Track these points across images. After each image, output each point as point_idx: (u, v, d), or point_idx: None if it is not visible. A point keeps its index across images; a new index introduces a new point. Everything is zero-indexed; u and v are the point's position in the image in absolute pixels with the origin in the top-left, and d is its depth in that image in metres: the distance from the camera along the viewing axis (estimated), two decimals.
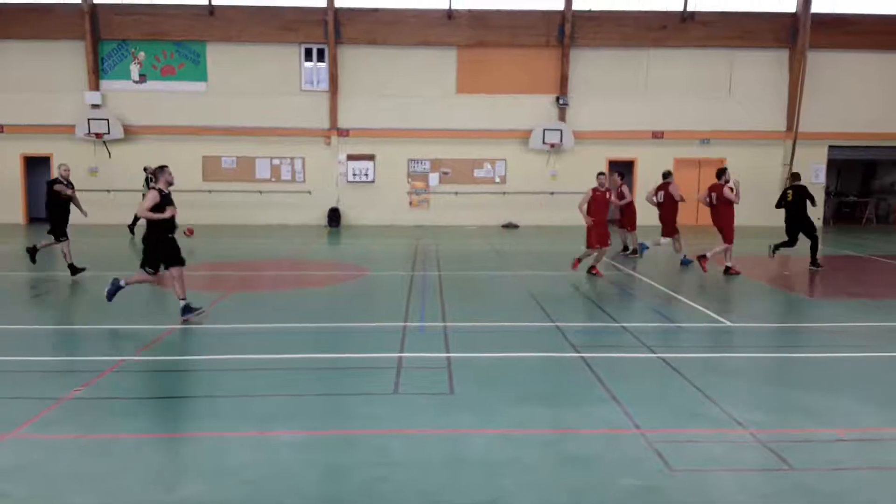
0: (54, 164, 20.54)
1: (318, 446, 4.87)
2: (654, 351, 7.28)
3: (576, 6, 21.54)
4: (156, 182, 8.57)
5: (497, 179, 22.39)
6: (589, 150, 22.17)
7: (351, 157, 22.24)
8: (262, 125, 21.97)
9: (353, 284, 11.81)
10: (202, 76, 21.97)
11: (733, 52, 22.00)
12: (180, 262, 8.67)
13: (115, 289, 8.89)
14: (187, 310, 8.52)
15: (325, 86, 22.04)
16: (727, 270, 12.34)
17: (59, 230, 11.78)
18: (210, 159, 22.17)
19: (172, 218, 8.53)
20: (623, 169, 22.53)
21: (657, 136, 22.27)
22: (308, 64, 22.14)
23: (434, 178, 22.34)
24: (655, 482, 4.29)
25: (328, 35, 21.50)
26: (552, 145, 21.75)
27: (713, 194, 12.57)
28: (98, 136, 21.44)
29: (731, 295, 11.07)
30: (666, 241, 13.94)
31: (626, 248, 15.34)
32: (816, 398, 5.89)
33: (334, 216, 21.98)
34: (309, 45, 21.97)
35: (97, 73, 21.68)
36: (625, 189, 15.07)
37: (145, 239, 8.62)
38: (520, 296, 10.60)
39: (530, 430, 5.14)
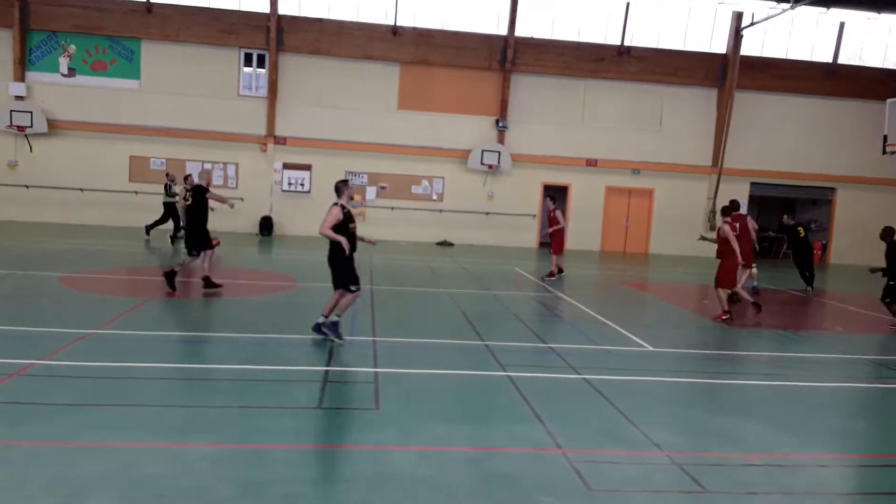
0: None
1: (234, 460, 4.71)
2: (578, 372, 7.40)
3: (518, 33, 21.97)
4: (339, 196, 8.04)
5: (434, 197, 22.47)
6: (525, 173, 22.55)
7: (287, 166, 21.92)
8: (195, 127, 21.42)
9: (282, 296, 11.57)
10: (135, 74, 21.28)
11: (666, 88, 22.86)
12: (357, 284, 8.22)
13: (330, 325, 8.12)
14: (331, 330, 8.06)
15: (263, 92, 21.69)
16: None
17: None
18: (138, 160, 21.43)
19: (354, 236, 8.05)
20: (557, 194, 23.08)
21: (591, 163, 22.85)
22: (247, 69, 21.76)
23: (371, 191, 22.25)
24: (575, 502, 4.32)
25: (270, 42, 21.21)
26: (490, 166, 22.02)
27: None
28: (20, 128, 20.42)
29: (654, 320, 11.39)
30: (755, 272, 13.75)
31: (560, 271, 15.31)
32: (731, 423, 6.10)
33: (266, 225, 21.55)
34: (249, 51, 21.61)
35: (23, 63, 20.71)
36: (558, 214, 15.06)
37: (333, 259, 8.08)
38: (451, 314, 10.61)
39: (454, 448, 5.12)
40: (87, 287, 11.05)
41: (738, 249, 11.08)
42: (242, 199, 20.59)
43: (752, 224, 13.50)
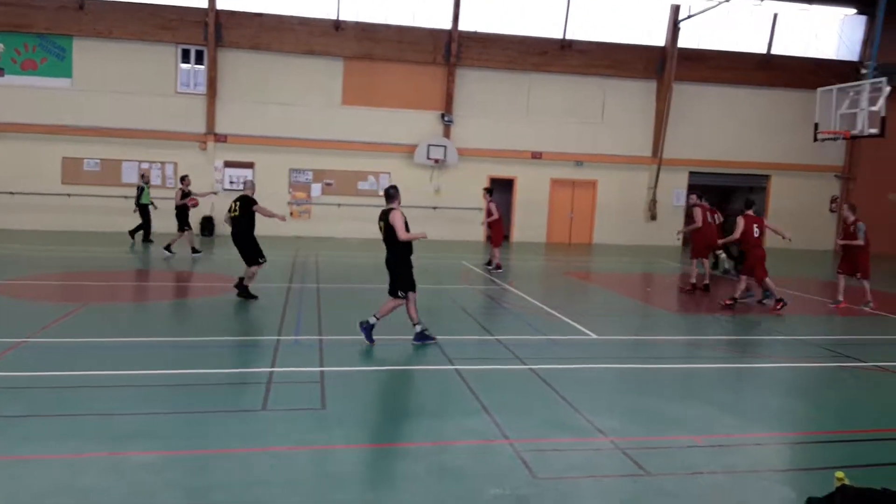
0: None
1: (177, 467, 4.59)
2: (525, 363, 7.47)
3: (462, 27, 22.00)
4: (393, 201, 8.08)
5: (381, 192, 22.29)
6: (472, 166, 22.63)
7: (228, 164, 21.47)
8: (131, 126, 20.77)
9: (225, 297, 11.34)
10: (67, 72, 20.49)
11: (607, 81, 23.23)
12: (414, 287, 8.25)
13: (368, 328, 8.12)
14: (424, 336, 8.17)
15: (202, 89, 21.18)
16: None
17: None
18: (71, 161, 20.67)
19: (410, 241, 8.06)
20: (504, 187, 23.27)
21: (536, 156, 23.08)
22: (185, 66, 21.21)
23: (316, 188, 21.98)
24: (521, 491, 4.37)
25: (208, 37, 20.71)
26: (436, 161, 22.01)
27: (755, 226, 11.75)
28: None
29: (598, 309, 11.58)
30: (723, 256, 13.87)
31: (489, 263, 15.50)
32: (674, 406, 6.25)
33: (208, 225, 21.07)
34: (187, 47, 21.06)
35: None
36: (492, 206, 15.23)
37: (397, 263, 8.05)
38: (399, 309, 10.56)
39: (402, 444, 5.11)
40: (19, 293, 10.61)
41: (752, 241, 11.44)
42: (216, 193, 19.80)
43: (716, 214, 14.05)
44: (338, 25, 21.38)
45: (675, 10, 22.56)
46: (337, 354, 7.61)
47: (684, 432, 5.55)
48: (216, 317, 9.82)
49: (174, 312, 10.25)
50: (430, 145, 21.96)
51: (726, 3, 20.30)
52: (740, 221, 11.54)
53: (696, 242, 13.53)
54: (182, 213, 15.96)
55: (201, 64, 21.14)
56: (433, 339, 8.21)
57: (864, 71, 16.42)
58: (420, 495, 4.31)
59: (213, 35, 20.70)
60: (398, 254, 8.09)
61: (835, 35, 23.30)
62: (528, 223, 23.22)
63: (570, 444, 5.20)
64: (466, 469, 4.69)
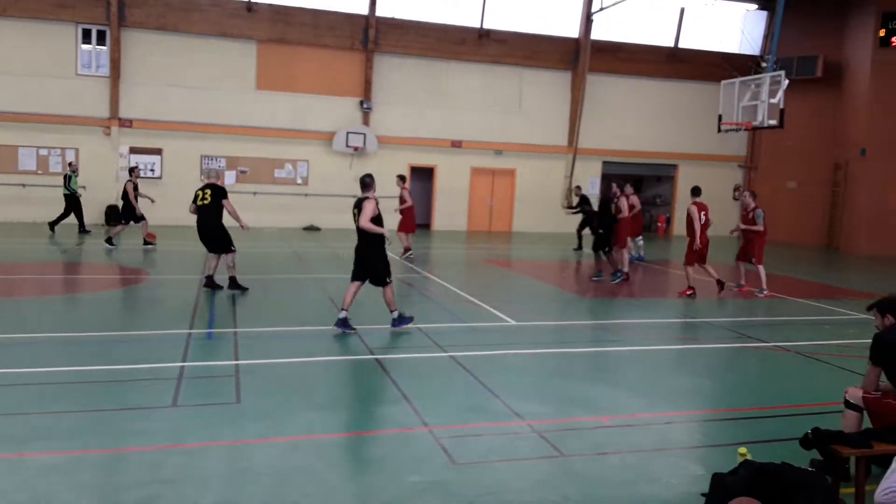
0: None
1: (83, 467, 4.36)
2: (445, 350, 7.51)
3: (380, 12, 21.75)
4: (369, 190, 8.20)
5: (299, 180, 21.91)
6: (392, 154, 22.48)
7: (134, 151, 20.47)
8: (27, 110, 19.49)
9: (132, 290, 10.85)
10: None
11: (524, 71, 23.54)
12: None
13: (398, 320, 8.39)
14: (402, 320, 8.39)
15: (105, 71, 20.10)
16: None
17: None
18: None
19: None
20: (424, 175, 23.27)
21: (456, 145, 23.17)
22: (86, 46, 20.05)
23: (230, 176, 21.28)
24: (440, 477, 4.38)
25: (110, 17, 19.64)
26: (356, 148, 21.74)
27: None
28: None
29: (517, 296, 11.77)
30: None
31: (407, 250, 15.42)
32: (586, 388, 6.43)
33: (113, 214, 20.07)
34: (88, 26, 19.91)
35: None
36: (405, 194, 15.29)
37: (373, 254, 8.19)
38: (318, 300, 10.42)
39: (320, 436, 5.02)
40: None
41: (697, 230, 11.68)
42: (84, 188, 18.92)
43: (636, 200, 14.80)
44: (250, 7, 20.72)
45: (589, 2, 23.06)
46: (252, 347, 7.41)
47: (595, 413, 5.72)
48: (124, 310, 9.38)
49: (79, 306, 9.72)
50: (349, 132, 21.66)
51: None
52: (692, 209, 11.82)
53: (621, 230, 13.81)
54: (129, 205, 15.50)
55: (104, 45, 20.06)
56: (411, 318, 8.48)
57: (764, 65, 17.27)
58: (338, 486, 4.25)
59: (116, 14, 19.65)
60: (373, 243, 8.19)
61: (738, 30, 24.41)
62: (448, 211, 23.31)
63: (489, 429, 5.26)
64: (386, 458, 4.66)
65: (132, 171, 16.05)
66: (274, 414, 5.40)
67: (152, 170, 20.61)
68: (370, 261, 8.26)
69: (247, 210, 20.94)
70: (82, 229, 17.69)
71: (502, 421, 5.44)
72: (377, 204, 8.12)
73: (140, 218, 15.61)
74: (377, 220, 8.10)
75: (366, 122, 22.16)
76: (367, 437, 5.05)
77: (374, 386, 6.26)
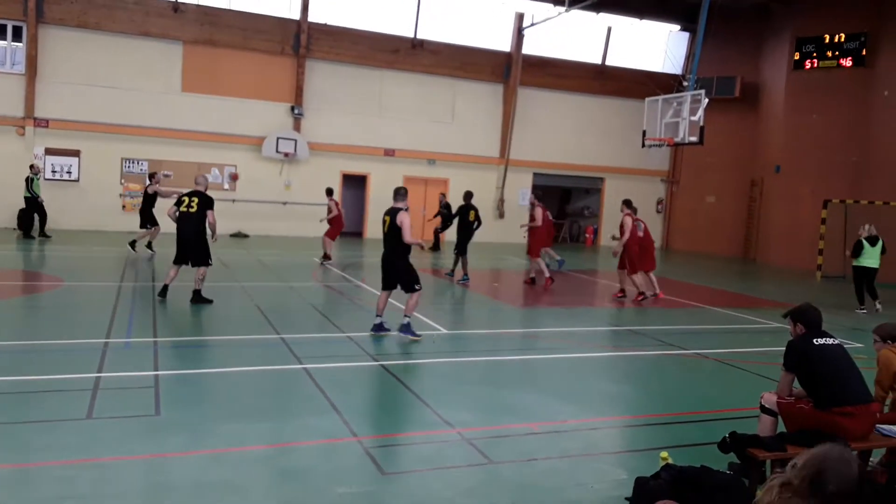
0: None
1: None
2: (376, 359, 7.43)
3: (312, 18, 21.52)
4: (403, 200, 8.47)
5: (226, 186, 21.35)
6: (324, 161, 22.22)
7: (50, 152, 19.50)
8: None
9: (45, 297, 10.30)
10: None
11: (457, 82, 23.73)
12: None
13: (406, 328, 8.38)
14: (408, 329, 8.38)
15: (20, 68, 19.11)
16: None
17: None
18: None
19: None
20: (357, 183, 23.10)
21: (389, 153, 23.11)
22: (0, 42, 19.03)
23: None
24: (369, 488, 4.32)
25: (27, 12, 18.70)
26: (286, 154, 21.38)
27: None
28: None
29: (449, 305, 11.80)
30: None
31: (327, 258, 15.75)
32: (516, 396, 6.48)
33: (26, 218, 19.02)
34: (3, 22, 18.90)
35: None
36: (331, 203, 16.06)
37: (401, 263, 8.34)
38: (245, 308, 10.15)
39: (244, 448, 4.87)
40: None
41: (624, 239, 12.20)
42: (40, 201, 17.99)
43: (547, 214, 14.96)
44: (176, 7, 20.13)
45: (520, 17, 23.49)
46: (174, 357, 7.15)
47: (525, 420, 5.76)
48: (36, 319, 8.89)
49: None
50: (279, 138, 21.29)
51: (566, 14, 21.43)
52: (627, 220, 12.27)
53: (535, 240, 14.16)
54: (147, 210, 15.36)
55: (19, 41, 19.08)
56: (418, 336, 8.45)
57: (686, 84, 17.94)
58: (261, 500, 4.13)
59: (34, 10, 18.74)
60: (401, 253, 8.36)
61: (662, 49, 25.35)
62: (381, 219, 23.07)
63: (419, 438, 5.22)
64: (312, 470, 4.56)
65: (152, 176, 15.90)
66: (195, 426, 5.20)
67: (69, 172, 19.69)
68: (398, 270, 8.44)
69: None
70: (43, 230, 17.36)
71: (432, 429, 5.41)
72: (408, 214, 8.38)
73: (153, 223, 15.32)
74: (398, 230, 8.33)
75: (297, 128, 21.84)
76: (293, 449, 4.93)
77: (302, 396, 6.12)
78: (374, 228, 23.12)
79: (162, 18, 20.06)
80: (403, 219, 8.24)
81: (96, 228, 19.64)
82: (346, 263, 15.94)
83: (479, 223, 14.75)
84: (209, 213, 10.03)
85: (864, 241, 13.07)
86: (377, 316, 8.56)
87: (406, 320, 8.46)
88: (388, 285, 8.56)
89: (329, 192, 16.64)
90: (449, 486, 4.43)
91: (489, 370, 7.68)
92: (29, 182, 17.31)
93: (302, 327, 8.97)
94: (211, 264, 10.25)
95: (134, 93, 20.04)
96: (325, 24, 21.78)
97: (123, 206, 20.34)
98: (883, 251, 13.11)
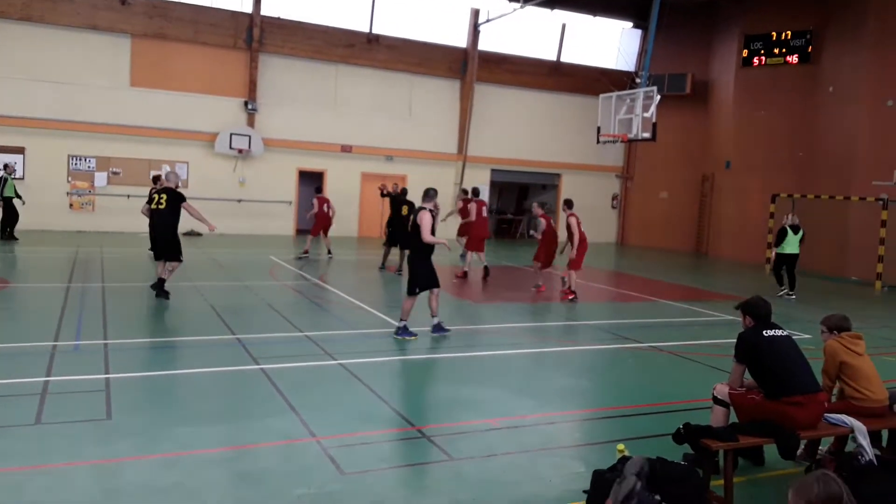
0: None
1: None
2: (335, 358, 7.37)
3: (265, 12, 21.17)
4: (430, 201, 8.56)
5: (166, 181, 20.82)
6: (279, 158, 21.92)
7: None
8: None
9: None
10: None
11: (414, 77, 23.65)
12: (438, 283, 8.63)
13: (404, 330, 8.43)
14: (441, 328, 8.61)
15: None
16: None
17: None
18: None
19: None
20: (314, 180, 22.83)
21: (346, 149, 22.91)
22: None
23: (101, 177, 19.95)
24: (327, 488, 4.28)
25: None
26: (240, 151, 21.01)
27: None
28: None
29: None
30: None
31: (306, 253, 16.44)
32: (475, 392, 6.50)
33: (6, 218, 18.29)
34: None
35: None
36: (314, 201, 16.62)
37: (418, 262, 8.35)
38: (199, 308, 9.96)
39: (198, 451, 4.78)
40: None
41: (577, 238, 12.27)
42: (23, 202, 17.32)
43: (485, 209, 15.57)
44: (124, 0, 19.58)
45: (476, 13, 23.53)
46: (125, 359, 6.96)
47: (485, 416, 5.79)
48: None
49: None
50: (232, 134, 20.91)
51: (521, 10, 21.55)
52: (572, 220, 12.45)
53: (471, 235, 14.73)
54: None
55: None
56: (448, 330, 8.68)
57: (638, 80, 18.25)
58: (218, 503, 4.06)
59: None
60: (419, 252, 8.38)
61: (615, 47, 25.71)
62: (338, 216, 22.83)
63: (378, 437, 5.20)
64: (270, 471, 4.50)
65: (157, 180, 14.93)
66: (147, 430, 5.08)
67: (166, 175, 18.93)
68: (415, 273, 8.47)
69: (120, 214, 19.95)
70: (8, 234, 16.79)
71: (392, 427, 5.40)
72: (432, 215, 8.40)
73: None
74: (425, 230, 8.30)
75: (251, 123, 21.48)
76: (250, 451, 4.85)
77: (259, 397, 6.03)
78: (333, 226, 22.90)
79: (109, 11, 19.49)
80: (423, 217, 8.28)
81: (42, 228, 18.99)
82: (304, 262, 15.76)
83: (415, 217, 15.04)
84: (185, 206, 10.36)
85: (788, 229, 13.90)
86: (433, 316, 8.70)
87: (436, 320, 8.66)
88: (411, 290, 8.49)
89: (316, 189, 17.34)
90: (409, 484, 4.42)
91: (448, 366, 7.69)
92: (2, 182, 16.77)
93: (258, 327, 8.84)
94: (182, 260, 10.47)
95: (80, 88, 19.44)
96: (279, 18, 21.46)
97: (71, 205, 19.73)
98: (802, 240, 13.96)
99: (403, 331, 8.47)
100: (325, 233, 16.83)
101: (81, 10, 19.20)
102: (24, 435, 4.87)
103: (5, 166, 17.30)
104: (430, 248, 8.43)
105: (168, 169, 19.71)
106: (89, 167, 19.74)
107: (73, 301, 9.72)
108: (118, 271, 12.97)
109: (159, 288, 10.19)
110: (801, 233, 13.95)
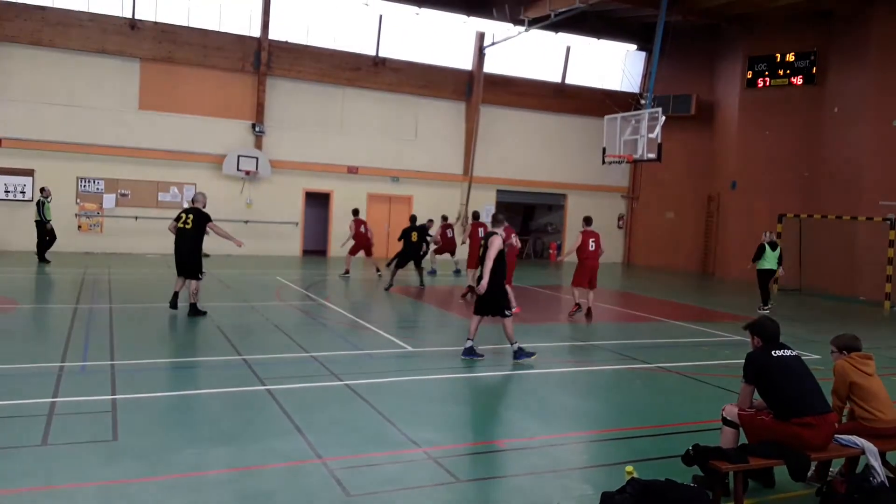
0: None
1: None
2: (341, 378, 7.35)
3: (273, 36, 21.43)
4: (500, 226, 8.72)
5: (185, 205, 20.99)
6: (286, 179, 22.05)
7: (2, 171, 18.97)
8: None
9: None
10: None
11: (420, 100, 23.84)
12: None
13: (523, 355, 8.57)
14: (521, 353, 8.57)
15: None
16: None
17: None
18: None
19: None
20: (321, 201, 22.95)
21: (352, 171, 23.04)
22: None
23: (109, 199, 20.10)
24: None
25: None
26: (247, 172, 21.16)
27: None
28: None
29: (414, 322, 11.76)
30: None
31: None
32: (481, 413, 6.47)
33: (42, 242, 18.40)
34: None
35: None
36: (350, 224, 17.74)
37: (492, 287, 8.38)
38: (206, 329, 9.97)
39: (205, 473, 4.76)
40: None
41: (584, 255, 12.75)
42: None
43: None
44: (133, 24, 19.86)
45: (481, 36, 23.76)
46: (132, 380, 6.96)
47: (491, 437, 5.75)
48: None
49: None
50: (240, 156, 21.06)
51: (525, 34, 21.75)
52: (579, 236, 12.72)
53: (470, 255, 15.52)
54: None
55: None
56: (532, 354, 8.68)
57: (643, 102, 18.32)
58: None
59: None
60: (496, 275, 8.44)
61: (619, 68, 25.87)
62: (345, 237, 23.04)
63: (385, 458, 5.17)
64: (275, 493, 4.47)
65: (194, 200, 15.05)
66: (154, 451, 5.07)
67: (22, 192, 19.15)
68: (488, 294, 8.49)
69: (128, 236, 20.07)
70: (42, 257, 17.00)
71: (398, 449, 5.36)
72: (503, 240, 8.56)
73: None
74: (499, 255, 8.44)
75: (258, 145, 21.65)
76: (256, 473, 4.82)
77: (265, 418, 6.01)
78: (337, 246, 22.99)
79: (118, 35, 19.77)
80: (493, 242, 8.46)
81: (51, 249, 19.09)
82: (310, 282, 15.78)
83: (426, 242, 16.87)
84: (211, 226, 10.72)
85: (767, 246, 14.61)
86: (468, 339, 8.70)
87: (515, 346, 8.65)
88: (478, 310, 8.65)
89: (353, 212, 18.07)
90: None
91: (456, 387, 7.66)
92: (40, 206, 17.00)
93: (265, 348, 8.84)
94: (201, 278, 10.80)
95: (89, 111, 19.66)
96: (286, 42, 21.71)
97: (79, 227, 19.86)
98: (780, 257, 14.78)
99: (470, 352, 8.65)
100: (368, 252, 17.74)
101: (91, 34, 19.47)
102: (31, 456, 4.86)
103: (42, 190, 17.48)
104: (503, 270, 8.62)
105: (205, 193, 19.92)
106: (98, 189, 19.89)
107: (80, 322, 9.75)
108: (126, 292, 13.01)
109: (192, 310, 10.61)
110: (778, 250, 14.68)
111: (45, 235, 17.14)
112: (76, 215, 19.84)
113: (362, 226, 17.50)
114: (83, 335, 8.94)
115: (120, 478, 4.58)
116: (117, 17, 19.73)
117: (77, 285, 13.45)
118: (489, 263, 8.37)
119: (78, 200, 19.94)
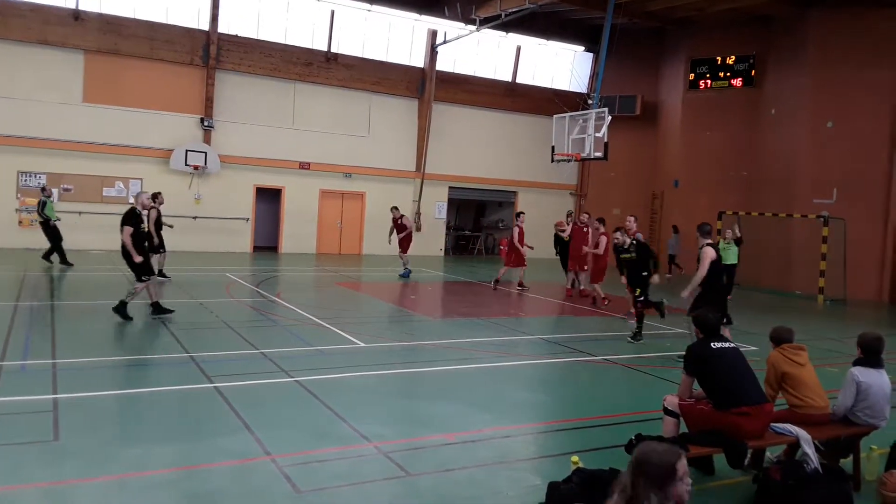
0: None
1: None
2: (291, 375, 7.32)
3: (222, 29, 21.04)
4: (708, 237, 9.03)
5: (131, 200, 20.44)
6: (236, 174, 21.69)
7: None
8: None
9: None
10: None
11: (372, 96, 23.73)
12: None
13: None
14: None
15: None
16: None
17: None
18: None
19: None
20: (272, 197, 22.67)
21: (304, 166, 22.80)
22: None
23: (52, 195, 19.42)
24: None
25: None
26: (196, 167, 20.74)
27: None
28: None
29: (366, 318, 11.75)
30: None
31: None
32: (432, 407, 6.54)
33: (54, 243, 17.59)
34: None
35: None
36: (406, 221, 18.10)
37: (705, 290, 8.65)
38: (151, 326, 9.78)
39: (149, 472, 4.69)
40: None
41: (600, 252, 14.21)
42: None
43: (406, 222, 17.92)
44: (77, 15, 19.24)
45: (433, 34, 23.79)
46: (74, 379, 6.80)
47: (442, 431, 5.82)
48: None
49: None
50: (188, 150, 20.63)
51: (477, 33, 21.87)
52: (603, 238, 14.00)
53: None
54: (159, 233, 14.02)
55: None
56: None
57: (590, 101, 18.63)
58: None
59: None
60: (708, 281, 8.75)
61: (568, 69, 26.26)
62: (297, 233, 22.83)
63: (335, 454, 5.18)
64: (223, 492, 4.45)
65: (156, 197, 14.24)
66: (96, 451, 4.98)
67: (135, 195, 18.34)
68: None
69: (71, 232, 19.42)
70: (63, 260, 15.97)
71: (348, 444, 5.39)
72: (712, 252, 8.85)
73: (160, 248, 14.02)
74: (714, 264, 8.78)
75: (207, 140, 21.24)
76: (203, 471, 4.78)
77: (212, 416, 5.96)
78: (289, 243, 22.79)
79: (61, 27, 19.12)
80: (706, 253, 8.86)
81: None
82: (261, 279, 15.60)
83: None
84: (125, 228, 9.91)
85: (729, 244, 15.79)
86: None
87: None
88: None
89: (395, 208, 18.23)
90: (366, 501, 4.43)
91: (406, 382, 7.71)
92: (41, 206, 16.13)
93: (213, 345, 8.72)
94: (144, 280, 10.12)
95: (31, 103, 18.97)
96: (236, 36, 21.34)
97: (20, 222, 19.17)
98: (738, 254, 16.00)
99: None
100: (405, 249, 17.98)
101: (33, 24, 18.79)
102: None
103: (43, 189, 16.80)
104: (716, 279, 9.01)
105: (146, 193, 19.41)
106: (39, 184, 19.21)
107: (20, 320, 9.44)
108: (69, 289, 12.64)
109: (155, 310, 10.23)
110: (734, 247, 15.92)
111: (54, 235, 16.11)
112: (17, 210, 19.14)
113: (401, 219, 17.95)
114: (24, 333, 8.67)
115: (61, 479, 4.49)
116: (60, 8, 19.07)
117: (18, 282, 13.00)
118: (703, 273, 8.73)
119: (19, 195, 19.23)
